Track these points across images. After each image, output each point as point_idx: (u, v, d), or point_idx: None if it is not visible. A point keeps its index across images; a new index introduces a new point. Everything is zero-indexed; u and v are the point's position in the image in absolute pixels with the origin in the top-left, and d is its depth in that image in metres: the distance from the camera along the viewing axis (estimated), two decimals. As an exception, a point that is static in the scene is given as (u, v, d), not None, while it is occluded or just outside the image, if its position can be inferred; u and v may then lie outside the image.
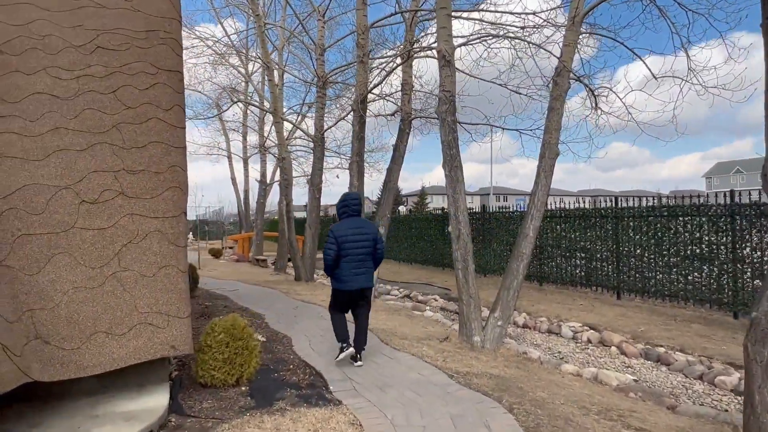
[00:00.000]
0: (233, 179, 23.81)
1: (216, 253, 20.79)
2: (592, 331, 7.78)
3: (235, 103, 12.68)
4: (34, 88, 4.14)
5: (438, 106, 6.09)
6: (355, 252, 4.81)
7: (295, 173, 23.54)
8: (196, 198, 32.19)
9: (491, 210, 14.47)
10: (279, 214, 14.11)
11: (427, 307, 10.55)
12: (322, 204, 12.91)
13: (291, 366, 4.99)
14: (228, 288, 11.02)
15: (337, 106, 15.23)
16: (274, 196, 22.43)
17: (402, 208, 31.73)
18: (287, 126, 16.53)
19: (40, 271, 3.41)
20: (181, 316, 3.61)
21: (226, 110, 13.12)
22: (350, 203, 5.03)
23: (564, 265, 11.49)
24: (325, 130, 12.70)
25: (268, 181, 19.70)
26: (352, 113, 9.63)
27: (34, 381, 2.98)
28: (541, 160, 6.17)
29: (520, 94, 10.03)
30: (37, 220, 3.58)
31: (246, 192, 23.10)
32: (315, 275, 14.62)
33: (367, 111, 14.22)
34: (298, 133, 17.25)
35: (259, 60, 12.21)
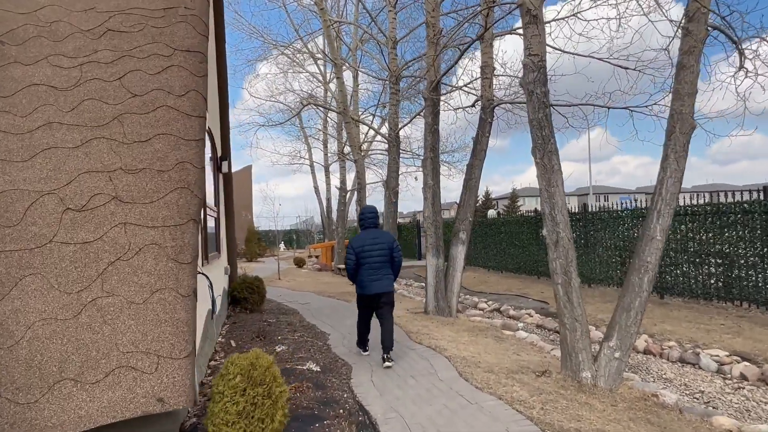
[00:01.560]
0: (316, 188, 23.76)
1: (300, 263, 20.65)
2: (745, 363, 5.88)
3: (306, 106, 12.21)
4: (31, 80, 3.55)
5: (524, 76, 4.78)
6: (372, 260, 5.32)
7: (375, 177, 22.88)
8: (274, 208, 33.03)
9: (594, 209, 12.51)
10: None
11: (520, 324, 9.05)
12: (407, 210, 11.92)
13: (341, 411, 3.94)
14: (300, 301, 10.37)
15: (413, 101, 14.20)
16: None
17: (492, 212, 29.83)
18: (363, 129, 15.83)
19: (3, 299, 2.69)
20: (176, 356, 2.72)
21: (296, 115, 12.68)
22: (367, 216, 5.55)
23: (692, 273, 9.36)
24: (400, 129, 11.71)
25: (348, 188, 19.16)
26: (424, 103, 8.50)
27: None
28: (669, 137, 4.60)
29: (626, 69, 8.28)
30: (9, 234, 2.90)
31: (328, 200, 22.87)
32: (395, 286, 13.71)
33: (446, 105, 13.01)
34: (378, 139, 16.53)
35: (329, 60, 11.59)
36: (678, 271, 9.59)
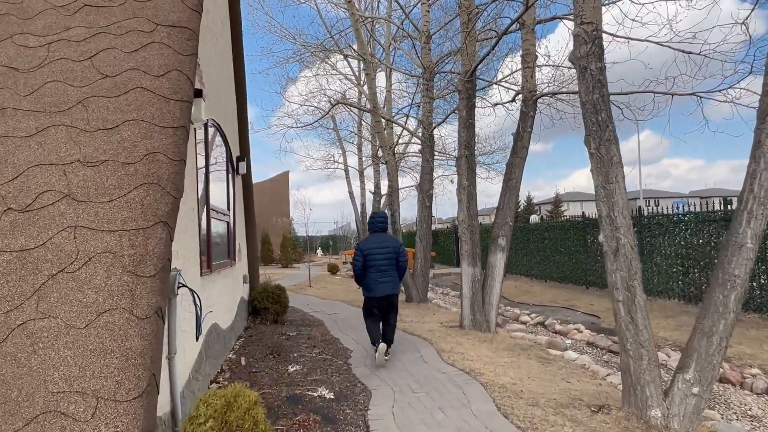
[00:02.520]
0: (350, 193, 23.28)
1: (333, 269, 20.16)
2: None
3: (335, 106, 11.69)
4: (-10, 62, 3.07)
5: (574, 50, 3.96)
6: (379, 263, 5.50)
7: (411, 182, 22.16)
8: (305, 213, 32.77)
9: (650, 212, 11.33)
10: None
11: (568, 342, 8.09)
12: (445, 216, 11.15)
13: (350, 455, 3.25)
14: (327, 311, 9.76)
15: (448, 101, 13.42)
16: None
17: (534, 217, 28.49)
18: (397, 131, 15.18)
19: None
20: (121, 397, 2.10)
21: (325, 115, 12.17)
22: (376, 221, 5.76)
23: (771, 285, 8.12)
24: (434, 128, 10.96)
25: (382, 193, 18.53)
26: (458, 95, 7.73)
27: None
28: (762, 118, 3.67)
29: (689, 53, 7.26)
30: (-68, 240, 2.38)
31: (363, 205, 22.33)
32: (430, 295, 12.86)
33: (484, 101, 12.17)
34: (414, 141, 15.84)
35: (358, 55, 11.03)
36: (755, 283, 8.36)
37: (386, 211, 12.55)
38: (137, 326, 2.28)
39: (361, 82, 16.02)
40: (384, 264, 5.49)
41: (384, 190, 18.75)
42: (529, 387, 4.70)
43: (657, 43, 7.61)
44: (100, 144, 2.75)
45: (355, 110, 19.98)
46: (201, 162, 4.55)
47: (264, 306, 7.78)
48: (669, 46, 7.55)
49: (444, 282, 19.06)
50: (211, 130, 5.10)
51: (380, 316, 5.68)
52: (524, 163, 7.85)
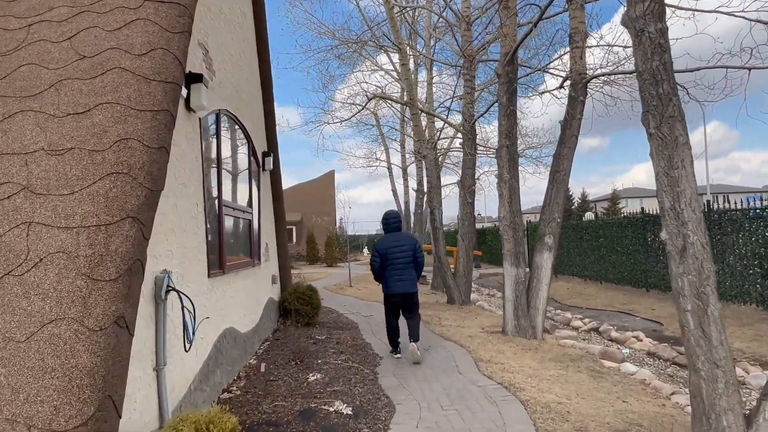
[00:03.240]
0: (394, 191, 22.89)
1: (376, 269, 19.80)
2: None
3: (371, 99, 11.29)
4: (-34, 47, 2.85)
5: (628, 9, 3.32)
6: (396, 261, 5.56)
7: (454, 179, 21.42)
8: (344, 211, 32.59)
9: (720, 207, 10.16)
10: (430, 224, 12.13)
11: (625, 351, 7.27)
12: (495, 215, 10.49)
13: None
14: (363, 313, 9.37)
15: (490, 91, 12.68)
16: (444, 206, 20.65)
17: (589, 215, 26.99)
18: (438, 126, 14.59)
19: None
20: (59, 426, 1.76)
21: (361, 109, 11.80)
22: (390, 221, 5.84)
23: None
24: (476, 119, 10.32)
25: (425, 190, 17.98)
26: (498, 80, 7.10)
27: None
28: None
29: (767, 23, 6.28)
30: None
31: (406, 203, 21.84)
32: (474, 296, 12.20)
33: (529, 89, 11.38)
34: (459, 140, 15.19)
35: (393, 45, 10.57)
36: None
37: (424, 207, 12.01)
38: (87, 340, 1.93)
39: (404, 77, 15.56)
40: (402, 262, 5.58)
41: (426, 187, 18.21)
42: (578, 407, 4.08)
43: (728, 13, 6.67)
44: (69, 130, 2.45)
45: (398, 107, 19.56)
46: (210, 155, 4.25)
47: (294, 307, 7.48)
48: (743, 17, 6.60)
49: (490, 282, 18.27)
50: (224, 121, 4.80)
51: (401, 313, 5.81)
52: (573, 154, 7.11)
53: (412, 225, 20.23)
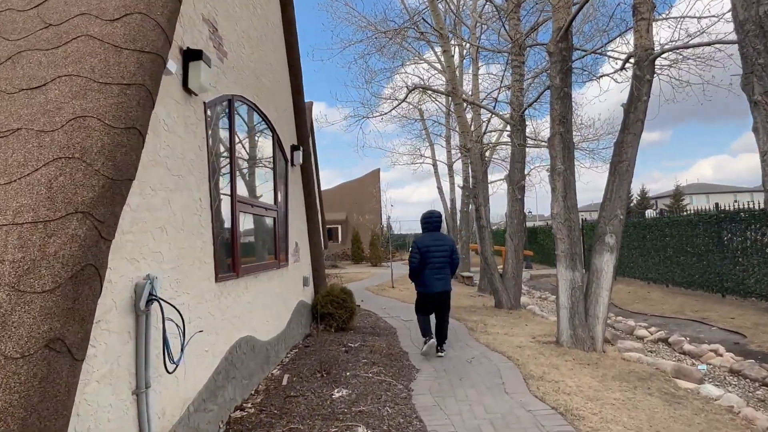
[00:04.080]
0: (439, 188, 22.11)
1: (421, 269, 19.17)
2: None
3: (411, 91, 10.69)
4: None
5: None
6: (436, 260, 5.64)
7: (502, 174, 20.40)
8: (386, 209, 32.00)
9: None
10: (477, 223, 11.35)
11: (702, 368, 6.32)
12: (547, 213, 9.66)
13: None
14: (403, 316, 8.80)
15: (539, 81, 11.75)
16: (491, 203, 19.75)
17: (650, 212, 25.14)
18: (486, 119, 13.78)
19: None
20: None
21: (402, 101, 11.21)
22: (432, 220, 5.85)
23: None
24: (525, 109, 9.51)
25: (471, 185, 17.17)
26: (549, 58, 6.31)
27: None
28: None
29: None
30: None
31: (452, 201, 21.06)
32: (525, 300, 11.33)
33: (585, 72, 10.46)
34: (508, 133, 14.35)
35: (434, 30, 9.91)
36: None
37: (470, 205, 11.29)
38: (1, 371, 1.47)
39: (442, 65, 14.85)
40: (440, 262, 5.66)
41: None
42: (652, 445, 3.33)
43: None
44: (18, 108, 2.04)
45: (442, 101, 18.85)
46: (221, 145, 3.82)
47: (328, 311, 7.03)
48: None
49: (543, 285, 17.22)
50: (241, 109, 4.37)
51: (433, 312, 5.89)
52: (638, 142, 6.23)
53: (458, 223, 19.47)
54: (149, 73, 2.29)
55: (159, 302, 2.41)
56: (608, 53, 9.43)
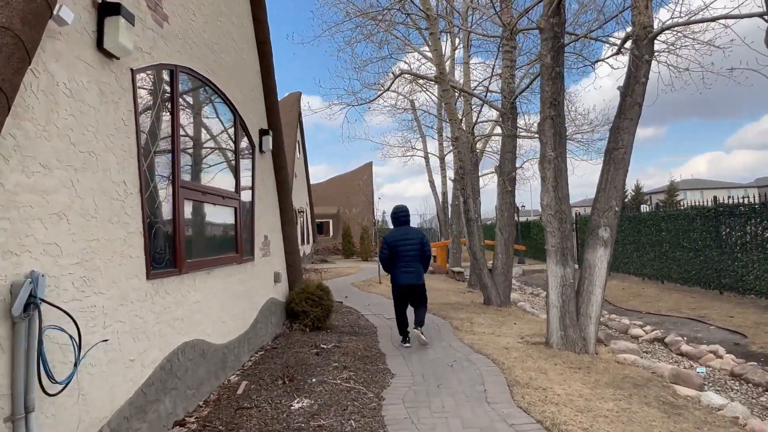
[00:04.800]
0: (431, 182, 21.69)
1: (411, 264, 18.72)
2: None
3: (397, 77, 10.16)
4: None
5: None
6: (405, 254, 5.77)
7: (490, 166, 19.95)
8: (377, 203, 31.36)
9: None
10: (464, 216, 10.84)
11: (701, 371, 5.90)
12: (535, 207, 9.16)
13: None
14: (387, 314, 8.33)
15: (532, 73, 11.24)
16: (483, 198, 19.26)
17: (644, 207, 24.81)
18: (477, 109, 13.28)
19: None
20: None
21: (386, 89, 10.66)
22: (399, 215, 6.05)
23: None
24: (516, 96, 9.03)
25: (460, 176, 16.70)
26: (540, 34, 5.82)
27: None
28: None
29: None
30: None
31: (444, 194, 20.62)
32: (515, 296, 10.89)
33: (578, 57, 10.02)
34: (499, 128, 13.86)
35: (420, 11, 9.36)
36: None
37: (460, 198, 10.82)
38: None
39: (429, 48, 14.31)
40: (410, 255, 5.75)
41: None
42: (651, 468, 2.88)
43: None
44: None
45: (434, 91, 18.34)
46: (158, 121, 3.32)
47: (302, 309, 6.56)
48: None
49: (535, 280, 16.84)
50: (188, 83, 3.86)
51: (409, 303, 5.99)
52: (636, 128, 5.78)
53: (449, 217, 19.03)
54: (20, 14, 1.79)
55: (38, 306, 1.92)
56: (602, 39, 8.95)
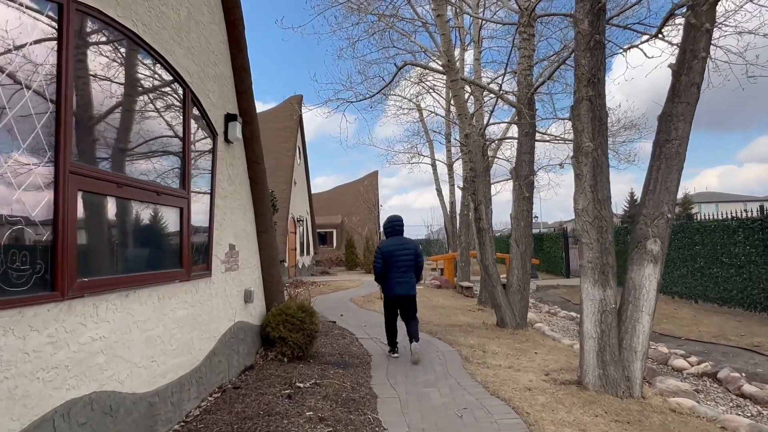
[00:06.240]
0: (438, 190, 20.54)
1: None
2: None
3: (400, 69, 9.05)
4: None
5: None
6: (399, 264, 5.77)
7: (505, 174, 18.78)
8: (374, 213, 30.34)
9: None
10: (475, 226, 9.65)
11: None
12: (551, 221, 7.99)
13: None
14: (384, 339, 7.13)
15: (551, 60, 10.12)
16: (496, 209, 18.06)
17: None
18: (491, 107, 12.18)
19: None
20: None
21: (389, 83, 9.58)
22: (394, 224, 6.03)
23: None
24: (537, 88, 7.91)
25: (470, 180, 15.53)
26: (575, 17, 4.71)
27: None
28: None
29: None
30: None
31: (452, 203, 19.44)
32: (531, 316, 9.67)
33: (617, 47, 8.88)
34: (514, 128, 12.76)
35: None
36: None
37: (470, 204, 9.69)
38: None
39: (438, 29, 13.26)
40: (404, 265, 5.74)
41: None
42: None
43: None
44: None
45: (442, 96, 17.31)
46: (33, 82, 2.23)
47: (280, 335, 5.42)
48: None
49: (550, 296, 15.56)
50: (95, 31, 2.78)
51: (401, 314, 5.94)
52: (693, 115, 4.64)
53: (457, 227, 17.85)
54: None
55: None
56: (634, 26, 7.83)
